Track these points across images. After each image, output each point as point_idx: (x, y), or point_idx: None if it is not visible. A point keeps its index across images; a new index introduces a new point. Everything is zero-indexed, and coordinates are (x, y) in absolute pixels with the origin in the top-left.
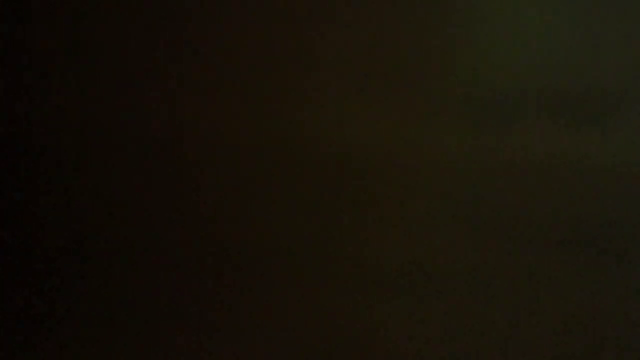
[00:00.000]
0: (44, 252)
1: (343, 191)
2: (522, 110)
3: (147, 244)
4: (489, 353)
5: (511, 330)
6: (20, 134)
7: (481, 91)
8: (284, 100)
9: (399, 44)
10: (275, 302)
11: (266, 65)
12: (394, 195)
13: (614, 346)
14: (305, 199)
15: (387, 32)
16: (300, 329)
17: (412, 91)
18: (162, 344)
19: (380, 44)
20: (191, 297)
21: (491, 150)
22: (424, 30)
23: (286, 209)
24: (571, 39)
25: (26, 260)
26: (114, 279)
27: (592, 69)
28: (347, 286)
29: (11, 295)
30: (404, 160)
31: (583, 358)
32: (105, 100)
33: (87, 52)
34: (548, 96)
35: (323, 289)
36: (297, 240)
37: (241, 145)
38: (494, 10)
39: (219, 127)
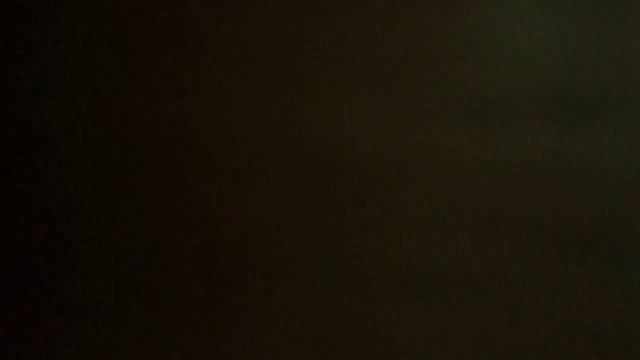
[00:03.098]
0: (43, 252)
1: (342, 191)
2: (521, 110)
3: (147, 244)
4: (488, 353)
5: (510, 330)
6: (20, 134)
7: (481, 91)
8: (284, 100)
9: (399, 44)
10: (274, 302)
11: (266, 65)
12: (393, 195)
13: (614, 346)
14: (304, 198)
15: (387, 32)
16: (299, 329)
17: (412, 91)
18: (162, 344)
19: (381, 44)
20: (190, 297)
21: (491, 150)
22: (424, 30)
23: (286, 209)
24: (571, 39)
25: (26, 260)
26: (113, 279)
27: (592, 69)
28: (347, 286)
29: (11, 295)
30: (403, 160)
31: (583, 358)
32: (106, 100)
33: (87, 52)
34: (548, 96)
35: (322, 289)
36: (297, 240)
37: (241, 145)
38: (494, 10)
39: (218, 127)
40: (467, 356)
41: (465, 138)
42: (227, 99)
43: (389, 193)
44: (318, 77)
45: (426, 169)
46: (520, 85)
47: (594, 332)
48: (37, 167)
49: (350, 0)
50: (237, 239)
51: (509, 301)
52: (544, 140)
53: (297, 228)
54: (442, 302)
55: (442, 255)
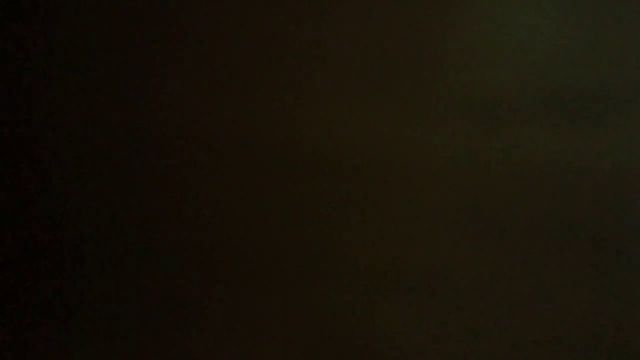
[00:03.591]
0: (43, 252)
1: (341, 191)
2: (521, 110)
3: (146, 244)
4: (487, 353)
5: (509, 330)
6: (20, 133)
7: (481, 91)
8: (283, 100)
9: (399, 44)
10: (272, 302)
11: (265, 65)
12: (393, 195)
13: (614, 346)
14: (304, 199)
15: (387, 32)
16: (299, 329)
17: (412, 91)
18: (162, 344)
19: (380, 44)
20: (190, 297)
21: (490, 150)
22: (424, 30)
23: (285, 209)
24: (571, 39)
25: (26, 260)
26: (113, 279)
27: (592, 69)
28: (347, 286)
29: (11, 295)
30: (403, 160)
31: (583, 358)
32: (106, 100)
33: (87, 52)
34: (547, 96)
35: (322, 290)
36: (296, 240)
37: (240, 145)
38: (494, 10)
39: (218, 127)
40: (467, 356)
41: (465, 138)
42: (227, 99)
43: (389, 193)
44: (318, 78)
45: (426, 169)
46: (520, 85)
47: (594, 332)
48: (36, 167)
49: (350, 1)
50: (237, 239)
51: (509, 301)
52: (544, 140)
53: (297, 228)
54: (442, 302)
55: (442, 255)
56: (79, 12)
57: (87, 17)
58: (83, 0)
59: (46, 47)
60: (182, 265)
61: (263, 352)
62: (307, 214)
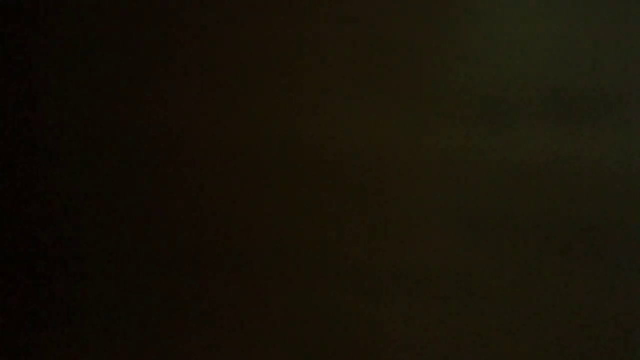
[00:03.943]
0: (43, 252)
1: (342, 191)
2: (521, 110)
3: (146, 244)
4: (487, 353)
5: (510, 330)
6: (21, 134)
7: (481, 91)
8: (283, 100)
9: (398, 43)
10: (273, 303)
11: (265, 65)
12: (392, 195)
13: (614, 346)
14: (303, 199)
15: (386, 32)
16: (299, 329)
17: (412, 91)
18: (162, 344)
19: (380, 44)
20: (190, 297)
21: (490, 150)
22: (423, 29)
23: (284, 210)
24: (571, 39)
25: (26, 261)
26: (113, 280)
27: (591, 69)
28: (347, 286)
29: (11, 295)
30: (403, 160)
31: (582, 358)
32: (106, 101)
33: (87, 52)
34: (547, 96)
35: (321, 290)
36: (295, 241)
37: (240, 145)
38: (494, 10)
39: (218, 127)
40: (467, 356)
41: (465, 138)
42: (227, 99)
43: (389, 193)
44: (318, 78)
45: (426, 168)
46: (520, 86)
47: (593, 332)
48: (36, 167)
49: (350, 1)
50: (237, 239)
51: (509, 301)
52: (544, 140)
53: (297, 228)
54: (442, 302)
55: (442, 255)
56: (79, 12)
57: (87, 17)
58: (83, 0)
59: (46, 47)
60: (182, 265)
61: (263, 352)
62: (307, 214)
